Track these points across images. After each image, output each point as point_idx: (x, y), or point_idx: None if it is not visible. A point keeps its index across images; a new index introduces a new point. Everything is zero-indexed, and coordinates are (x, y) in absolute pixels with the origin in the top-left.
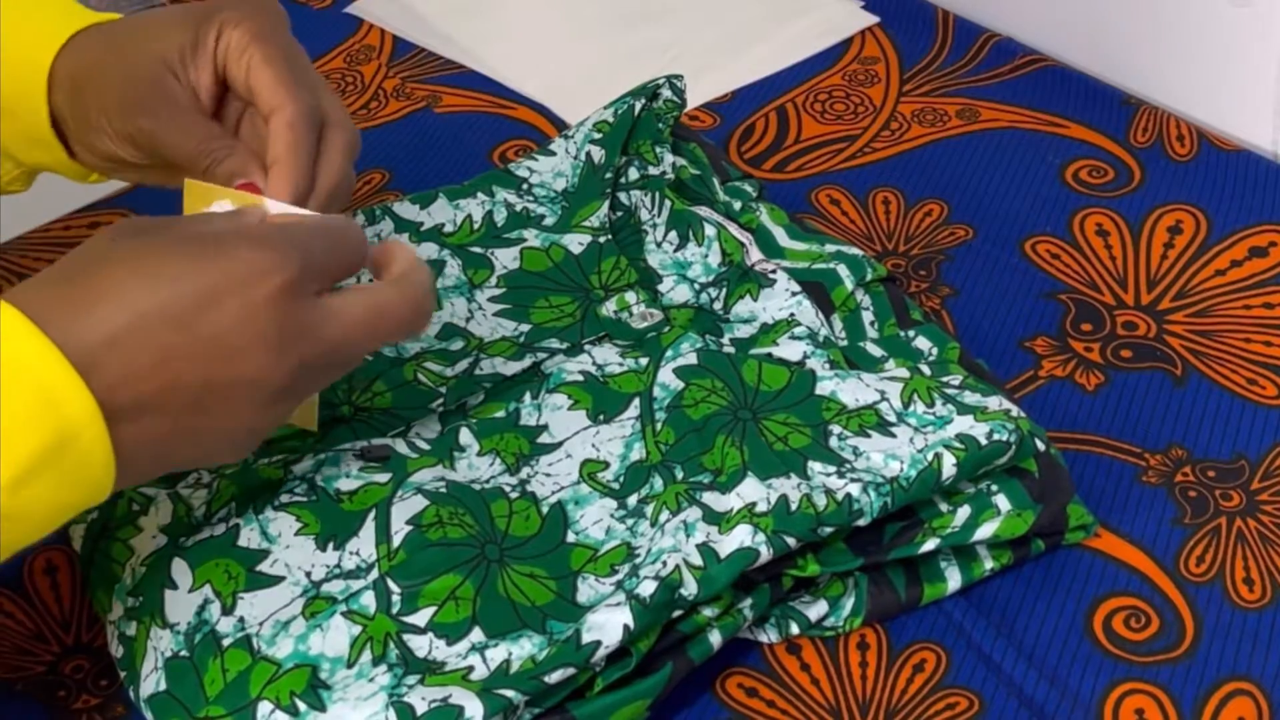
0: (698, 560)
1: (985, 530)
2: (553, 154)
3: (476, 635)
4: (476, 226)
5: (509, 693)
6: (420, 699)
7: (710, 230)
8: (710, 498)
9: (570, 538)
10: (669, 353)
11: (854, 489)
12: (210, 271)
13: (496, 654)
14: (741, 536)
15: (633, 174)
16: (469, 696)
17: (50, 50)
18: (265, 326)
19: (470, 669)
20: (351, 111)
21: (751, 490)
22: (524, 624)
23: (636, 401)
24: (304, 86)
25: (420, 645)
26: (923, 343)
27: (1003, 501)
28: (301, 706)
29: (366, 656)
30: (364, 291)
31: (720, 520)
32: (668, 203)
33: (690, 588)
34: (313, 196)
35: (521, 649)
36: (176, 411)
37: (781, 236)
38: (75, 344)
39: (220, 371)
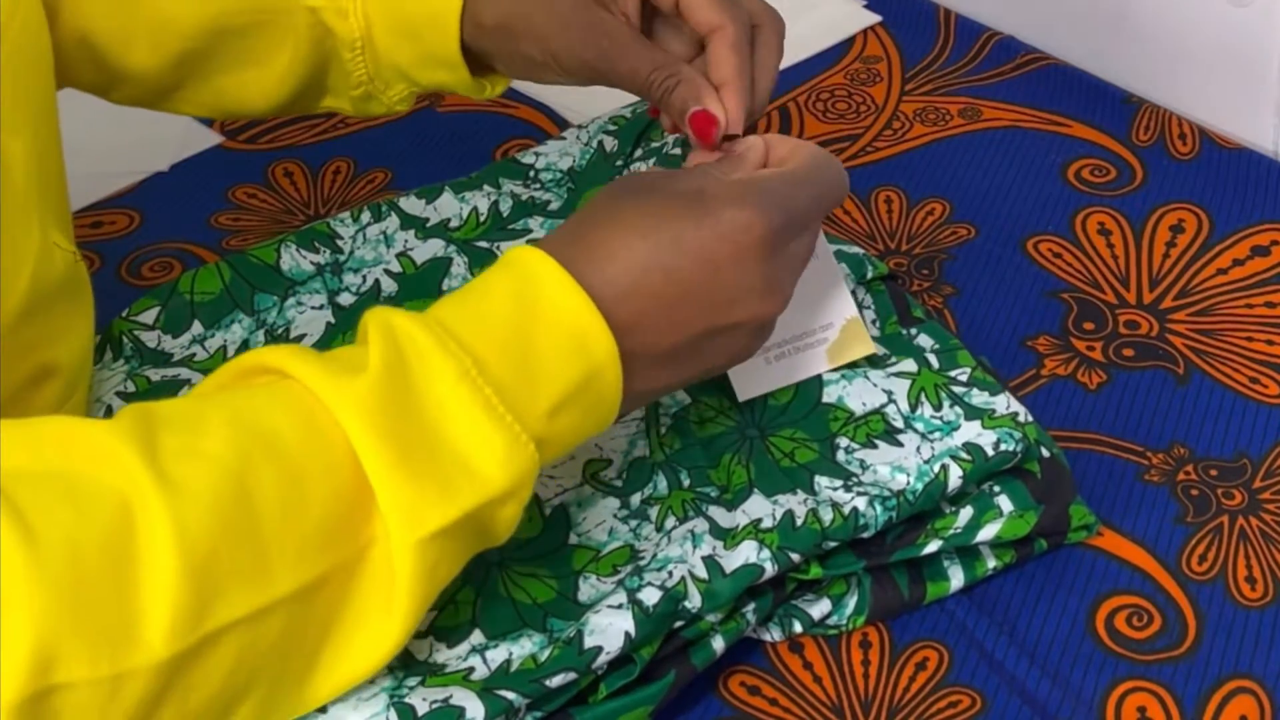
0: (703, 573)
1: (988, 531)
2: (562, 139)
3: (477, 637)
4: (483, 219)
5: (509, 695)
6: (421, 700)
7: None
8: (716, 512)
9: (573, 539)
10: None
11: (860, 503)
12: (703, 233)
13: (497, 655)
14: (747, 553)
15: (646, 166)
16: (470, 697)
17: None
18: (754, 278)
19: (471, 670)
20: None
21: (757, 507)
22: (524, 623)
23: None
24: (734, 3)
25: (420, 648)
26: (924, 340)
27: (1005, 502)
28: None
29: None
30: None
31: (726, 536)
32: None
33: (694, 600)
34: (755, 101)
35: (522, 648)
36: (677, 354)
37: None
38: (598, 295)
39: (719, 318)
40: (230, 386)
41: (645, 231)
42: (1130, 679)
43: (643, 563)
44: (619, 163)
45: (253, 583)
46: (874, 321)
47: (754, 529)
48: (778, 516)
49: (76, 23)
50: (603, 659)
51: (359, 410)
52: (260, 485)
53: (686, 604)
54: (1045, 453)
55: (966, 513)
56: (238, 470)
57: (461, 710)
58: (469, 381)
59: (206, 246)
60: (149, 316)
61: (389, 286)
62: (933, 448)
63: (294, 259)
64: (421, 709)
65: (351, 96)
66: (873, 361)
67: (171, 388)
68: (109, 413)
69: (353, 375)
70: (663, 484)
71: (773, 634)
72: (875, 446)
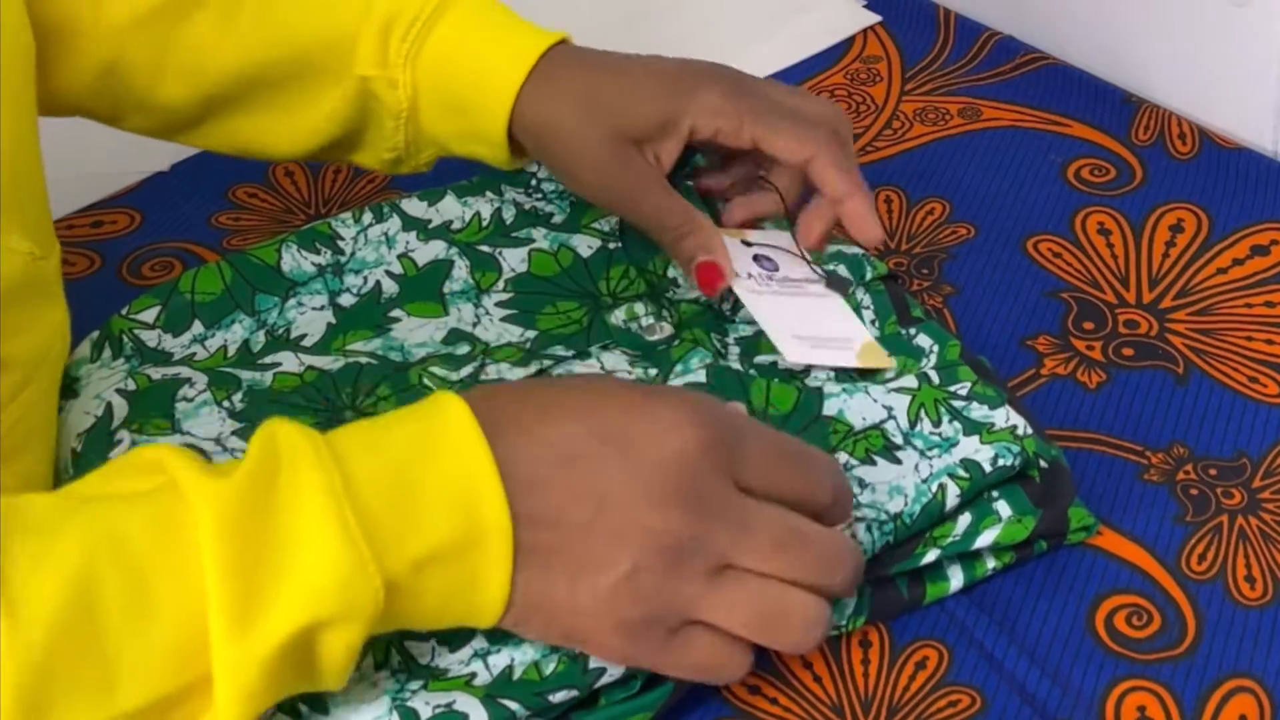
0: None
1: (986, 537)
2: None
3: (479, 642)
4: (485, 224)
5: (513, 705)
6: (424, 704)
7: None
8: None
9: None
10: (678, 367)
11: (858, 528)
12: (635, 425)
13: (499, 660)
14: None
15: None
16: (473, 703)
17: (520, 70)
18: (664, 482)
19: (473, 675)
20: None
21: None
22: None
23: None
24: (811, 125)
25: (422, 652)
26: (924, 340)
27: (1004, 508)
28: (304, 709)
29: (368, 662)
30: (789, 513)
31: None
32: None
33: None
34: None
35: (524, 655)
36: (565, 548)
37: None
38: (509, 465)
39: (608, 515)
40: (116, 481)
41: (583, 418)
42: (1130, 678)
43: None
44: None
45: (94, 697)
46: (873, 321)
47: None
48: None
49: (104, 51)
50: (605, 679)
51: (213, 508)
52: (104, 593)
53: None
54: (1044, 465)
55: (965, 519)
56: (84, 578)
57: (465, 716)
58: (332, 497)
59: (207, 246)
60: (149, 315)
61: (390, 288)
62: (931, 465)
63: (295, 259)
64: (425, 713)
65: (383, 159)
66: (873, 377)
67: (172, 386)
68: (108, 409)
69: (222, 476)
70: None
71: None
72: (874, 463)
